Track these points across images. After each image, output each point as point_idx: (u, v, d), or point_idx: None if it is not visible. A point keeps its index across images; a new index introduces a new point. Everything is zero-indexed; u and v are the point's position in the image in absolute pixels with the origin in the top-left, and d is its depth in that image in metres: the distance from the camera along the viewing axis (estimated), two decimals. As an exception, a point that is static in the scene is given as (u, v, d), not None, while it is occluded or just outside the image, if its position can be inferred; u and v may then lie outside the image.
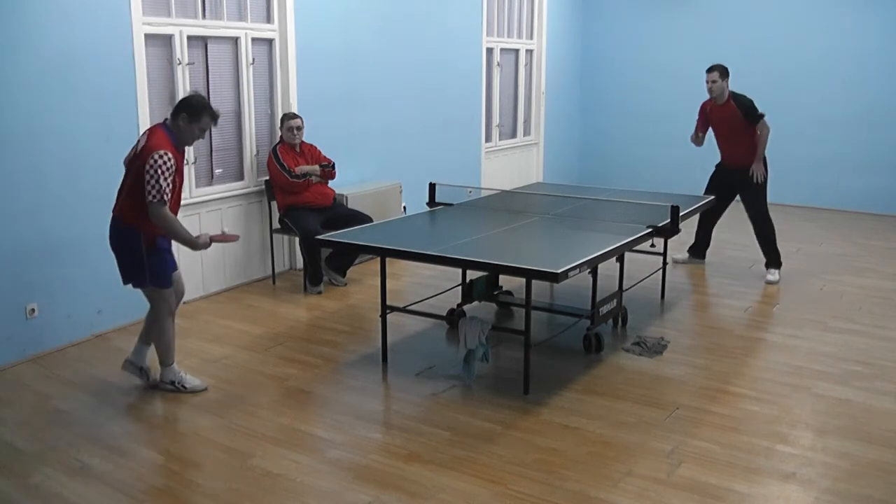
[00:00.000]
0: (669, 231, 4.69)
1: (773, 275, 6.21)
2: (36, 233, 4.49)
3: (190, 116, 3.75)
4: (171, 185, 3.63)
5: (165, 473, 3.29)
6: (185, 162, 5.46)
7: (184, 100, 3.84)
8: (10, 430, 3.66)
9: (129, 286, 3.97)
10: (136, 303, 5.09)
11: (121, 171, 4.92)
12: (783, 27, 9.16)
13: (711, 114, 6.38)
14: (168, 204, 3.66)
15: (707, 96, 6.46)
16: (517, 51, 9.12)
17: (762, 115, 6.12)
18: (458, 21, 7.91)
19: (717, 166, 6.62)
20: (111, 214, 3.88)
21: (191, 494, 3.12)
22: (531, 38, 9.34)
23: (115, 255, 3.90)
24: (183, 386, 4.03)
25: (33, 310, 4.52)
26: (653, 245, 4.78)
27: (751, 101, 6.19)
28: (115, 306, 4.97)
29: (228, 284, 5.88)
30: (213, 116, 3.83)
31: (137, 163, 3.68)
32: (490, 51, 8.53)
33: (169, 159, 3.62)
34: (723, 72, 6.22)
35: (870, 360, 4.49)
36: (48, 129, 4.49)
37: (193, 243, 3.83)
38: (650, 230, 4.60)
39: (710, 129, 6.49)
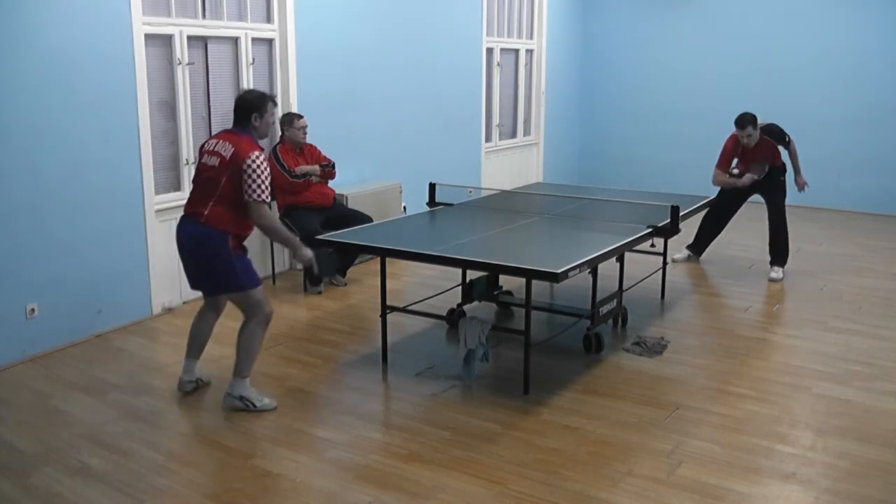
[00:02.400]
0: (669, 231, 4.69)
1: (778, 272, 6.27)
2: (36, 233, 4.49)
3: (259, 113, 3.70)
4: (269, 186, 3.63)
5: (165, 473, 3.29)
6: (186, 162, 5.47)
7: (243, 102, 3.71)
8: (10, 430, 3.66)
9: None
10: (136, 303, 5.13)
11: (122, 172, 4.95)
12: (783, 27, 9.16)
13: (744, 154, 6.37)
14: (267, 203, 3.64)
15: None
16: (517, 51, 9.12)
17: (791, 140, 6.42)
18: (458, 21, 7.91)
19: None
20: (187, 220, 3.69)
21: (191, 494, 3.12)
22: (531, 38, 9.34)
23: (195, 261, 3.72)
24: (252, 404, 3.78)
25: (33, 310, 4.52)
26: (653, 245, 4.79)
27: (779, 129, 6.40)
28: (115, 306, 4.97)
29: (228, 284, 5.87)
30: (274, 100, 3.80)
31: (229, 168, 3.57)
32: (490, 51, 8.53)
33: (264, 160, 3.60)
34: (755, 123, 6.21)
35: (870, 360, 4.49)
36: (48, 129, 4.49)
37: (295, 245, 3.80)
38: (650, 230, 4.60)
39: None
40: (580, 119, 10.60)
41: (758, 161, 6.39)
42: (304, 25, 6.11)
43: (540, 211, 5.29)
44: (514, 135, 9.38)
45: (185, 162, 5.45)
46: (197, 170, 3.74)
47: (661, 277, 5.74)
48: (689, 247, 6.82)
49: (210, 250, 3.64)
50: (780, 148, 6.45)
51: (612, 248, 4.20)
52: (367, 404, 3.99)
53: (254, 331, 3.79)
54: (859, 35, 8.72)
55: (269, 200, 3.64)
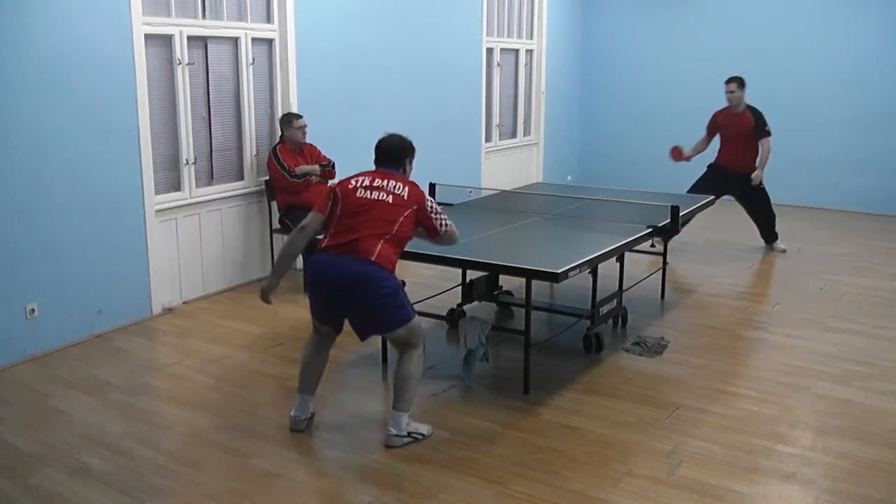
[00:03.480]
0: (669, 231, 4.70)
1: (782, 244, 6.97)
2: (36, 233, 4.49)
3: (412, 156, 3.76)
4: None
5: (165, 473, 3.29)
6: (186, 162, 5.47)
7: (402, 146, 3.70)
8: (10, 430, 3.66)
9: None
10: (136, 303, 5.13)
11: (122, 172, 4.95)
12: (783, 27, 9.16)
13: (726, 121, 6.86)
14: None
15: (720, 106, 7.05)
16: (517, 51, 9.12)
17: (769, 133, 6.71)
18: (458, 21, 7.91)
19: (712, 167, 6.98)
20: (343, 255, 3.40)
21: (191, 494, 3.12)
22: (531, 38, 9.34)
23: (363, 303, 3.43)
24: (422, 434, 3.56)
25: (33, 310, 4.52)
26: (653, 245, 4.79)
27: (763, 116, 6.75)
28: (115, 306, 4.97)
29: (228, 284, 5.88)
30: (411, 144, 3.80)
31: (407, 204, 3.50)
32: (490, 51, 8.52)
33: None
34: (741, 82, 6.74)
35: (870, 360, 4.49)
36: (48, 129, 4.49)
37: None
38: (650, 230, 4.60)
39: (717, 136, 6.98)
40: (580, 119, 10.60)
41: (736, 138, 6.77)
42: (304, 25, 6.11)
43: (540, 211, 5.29)
44: (514, 135, 9.38)
45: (185, 162, 5.45)
46: (357, 203, 3.47)
47: (661, 277, 5.74)
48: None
49: (382, 291, 3.40)
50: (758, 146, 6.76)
51: (612, 248, 4.20)
52: (367, 404, 3.99)
53: (422, 357, 3.56)
54: (859, 35, 8.71)
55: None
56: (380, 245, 3.41)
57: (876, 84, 8.69)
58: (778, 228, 7.13)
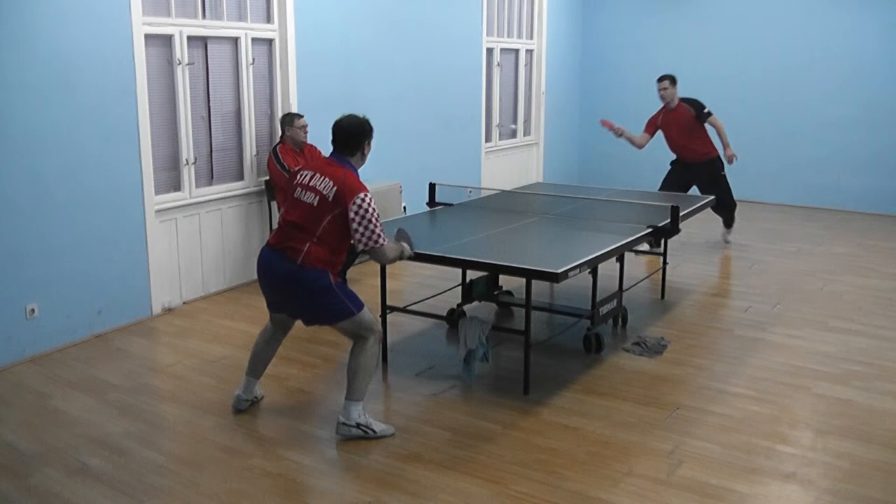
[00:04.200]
0: (669, 231, 4.70)
1: (730, 235, 7.29)
2: (36, 233, 4.49)
3: (370, 141, 3.56)
4: (380, 225, 3.42)
5: (165, 473, 3.29)
6: (186, 162, 5.47)
7: (355, 128, 3.53)
8: (10, 430, 3.66)
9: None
10: (136, 303, 5.13)
11: (122, 172, 4.95)
12: (783, 27, 9.16)
13: (664, 120, 7.06)
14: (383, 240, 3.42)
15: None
16: (517, 51, 9.12)
17: (710, 112, 6.93)
18: (458, 21, 7.91)
19: (674, 163, 7.18)
20: (277, 254, 3.46)
21: (191, 494, 3.12)
22: (531, 38, 9.34)
23: (299, 300, 3.51)
24: (372, 430, 3.53)
25: (33, 310, 4.52)
26: (653, 245, 4.79)
27: (698, 101, 6.97)
28: (115, 306, 4.97)
29: (228, 284, 5.88)
30: (370, 124, 3.59)
31: (331, 207, 3.37)
32: (490, 51, 8.53)
33: (372, 199, 3.39)
34: (672, 80, 6.97)
35: (870, 360, 4.49)
36: (48, 129, 4.49)
37: (406, 253, 3.67)
38: (650, 230, 4.60)
39: (662, 136, 7.22)
40: (580, 119, 10.60)
41: (680, 132, 6.99)
42: (304, 25, 6.11)
43: (540, 211, 5.29)
44: (514, 135, 9.38)
45: (185, 162, 5.45)
46: (292, 201, 3.49)
47: (661, 277, 5.74)
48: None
49: (313, 289, 3.43)
50: (711, 134, 6.99)
51: (612, 248, 4.20)
52: (367, 404, 3.98)
53: (375, 349, 3.55)
54: (859, 35, 8.71)
55: (383, 241, 3.42)
56: (307, 247, 3.40)
57: (876, 84, 8.69)
58: (778, 228, 7.19)
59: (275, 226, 5.90)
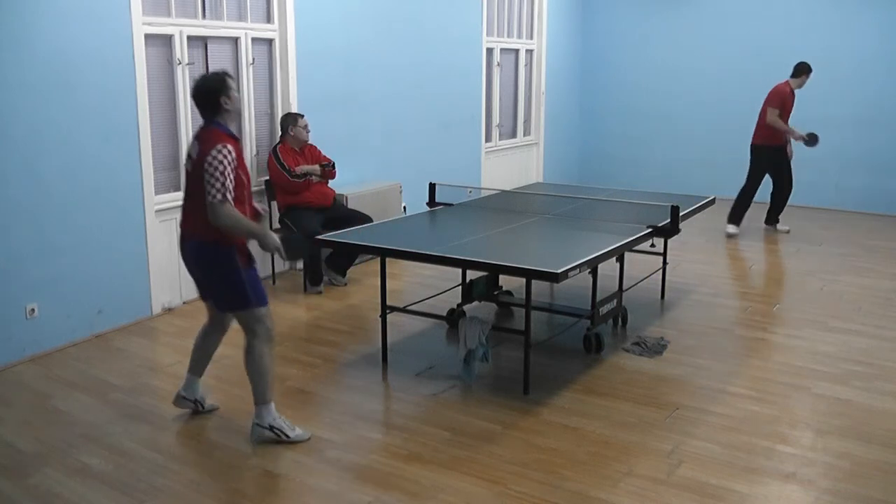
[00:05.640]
0: (669, 231, 4.69)
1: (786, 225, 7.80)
2: (36, 232, 4.49)
3: (226, 93, 3.43)
4: (233, 181, 3.28)
5: (165, 473, 3.29)
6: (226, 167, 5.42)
7: (205, 88, 3.44)
8: (10, 430, 3.66)
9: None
10: (136, 303, 5.13)
11: (122, 172, 4.95)
12: (783, 27, 9.17)
13: (790, 104, 7.57)
14: (233, 201, 3.27)
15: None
16: (517, 51, 9.12)
17: None
18: (458, 21, 7.91)
19: (776, 149, 7.54)
20: (181, 236, 3.49)
21: (191, 494, 3.12)
22: (531, 38, 9.34)
23: (205, 279, 3.49)
24: (285, 434, 3.49)
25: (33, 310, 4.52)
26: (653, 245, 4.79)
27: None
28: (115, 306, 4.97)
29: (228, 284, 5.87)
30: (231, 76, 3.51)
31: (198, 170, 3.30)
32: (490, 51, 8.53)
33: (229, 152, 3.29)
34: None
35: (870, 360, 4.49)
36: (48, 129, 4.49)
37: (260, 234, 3.39)
38: (650, 230, 4.60)
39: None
40: (580, 119, 10.60)
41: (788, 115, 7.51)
42: (304, 25, 6.11)
43: (540, 211, 5.29)
44: (514, 135, 9.38)
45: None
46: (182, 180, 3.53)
47: (661, 277, 5.74)
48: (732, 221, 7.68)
49: (218, 268, 3.39)
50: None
51: (612, 248, 4.20)
52: (367, 404, 3.99)
53: (262, 350, 3.48)
54: (859, 35, 8.71)
55: (231, 198, 3.26)
56: (193, 218, 3.38)
57: (876, 84, 8.69)
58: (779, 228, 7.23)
59: (275, 225, 5.96)
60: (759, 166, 7.58)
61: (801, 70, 7.50)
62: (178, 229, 3.56)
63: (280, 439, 3.50)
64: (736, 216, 7.63)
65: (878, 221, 8.44)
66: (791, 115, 7.54)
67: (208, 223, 3.28)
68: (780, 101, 7.40)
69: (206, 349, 3.79)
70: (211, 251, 3.37)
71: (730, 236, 7.55)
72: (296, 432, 3.54)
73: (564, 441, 3.54)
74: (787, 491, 3.14)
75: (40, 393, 4.08)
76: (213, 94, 3.42)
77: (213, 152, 3.26)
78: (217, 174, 3.23)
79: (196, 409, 3.80)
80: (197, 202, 3.32)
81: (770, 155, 7.53)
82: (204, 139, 3.36)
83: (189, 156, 3.43)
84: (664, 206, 4.78)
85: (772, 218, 7.87)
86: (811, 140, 7.49)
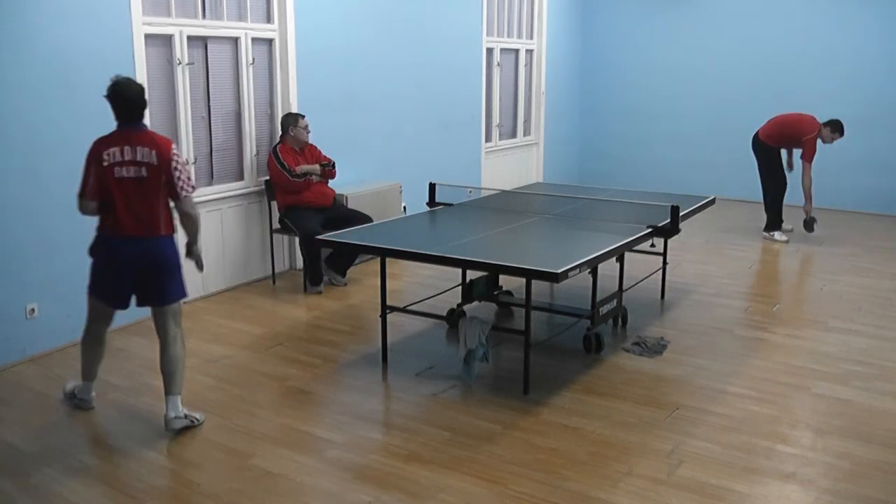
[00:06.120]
0: (669, 231, 4.69)
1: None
2: (36, 233, 4.49)
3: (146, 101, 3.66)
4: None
5: (165, 473, 3.29)
6: (186, 162, 5.45)
7: (138, 97, 3.57)
8: (10, 430, 3.66)
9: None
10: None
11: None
12: (783, 27, 9.16)
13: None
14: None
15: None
16: (517, 51, 9.12)
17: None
18: (458, 21, 7.91)
19: (770, 149, 7.52)
20: (134, 239, 3.52)
21: (191, 494, 3.12)
22: (531, 38, 9.34)
23: (160, 275, 3.60)
24: (197, 419, 3.69)
25: (33, 310, 4.52)
26: (653, 245, 4.79)
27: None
28: (115, 306, 4.96)
29: (228, 284, 5.88)
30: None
31: (163, 173, 3.49)
32: (490, 51, 8.52)
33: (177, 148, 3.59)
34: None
35: (870, 360, 4.49)
36: (48, 129, 4.49)
37: (195, 239, 3.74)
38: (650, 230, 4.60)
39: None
40: (580, 119, 10.60)
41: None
42: (304, 25, 6.11)
43: (540, 211, 5.29)
44: (514, 135, 9.38)
45: (184, 162, 5.44)
46: (117, 183, 3.45)
47: (661, 277, 5.74)
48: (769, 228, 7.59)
49: (172, 260, 3.62)
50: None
51: (611, 248, 4.20)
52: (367, 404, 3.99)
53: (184, 341, 3.72)
54: (860, 35, 8.71)
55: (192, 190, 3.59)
56: (154, 216, 3.52)
57: (876, 84, 8.69)
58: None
59: (275, 225, 5.96)
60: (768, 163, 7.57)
61: (836, 128, 7.38)
62: (111, 234, 3.55)
63: (193, 425, 3.65)
64: (775, 221, 7.53)
65: (878, 221, 8.44)
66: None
67: (170, 219, 3.56)
68: (813, 153, 7.36)
69: (102, 353, 3.86)
70: (172, 245, 3.62)
71: (784, 242, 7.32)
72: (201, 414, 3.73)
73: (564, 441, 3.54)
74: (787, 491, 3.14)
75: (40, 393, 4.08)
76: (143, 99, 3.59)
77: (174, 151, 3.52)
78: (184, 169, 3.54)
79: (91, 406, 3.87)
80: (155, 202, 3.51)
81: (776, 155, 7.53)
82: (155, 142, 3.51)
83: (138, 161, 3.47)
84: (664, 206, 4.78)
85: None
86: (810, 224, 7.44)
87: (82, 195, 3.53)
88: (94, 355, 3.82)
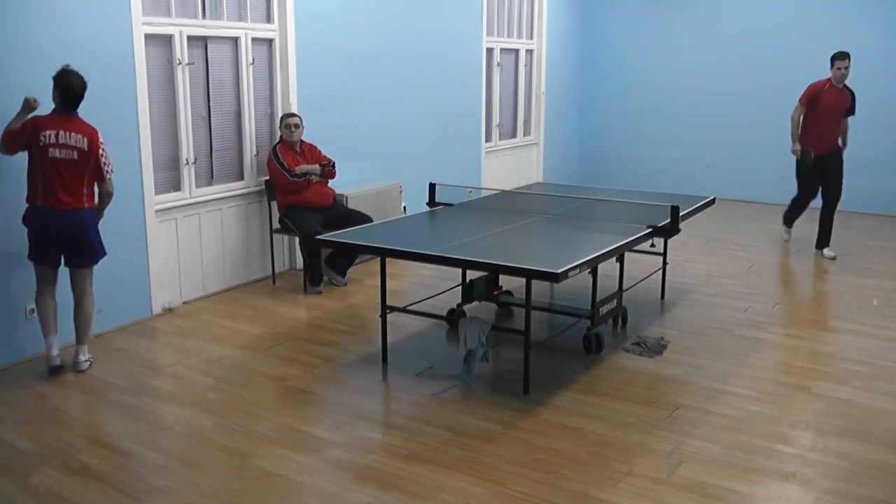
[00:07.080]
0: (669, 231, 4.70)
1: (830, 252, 6.84)
2: (36, 233, 4.49)
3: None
4: None
5: (165, 473, 3.29)
6: (186, 162, 5.47)
7: (81, 88, 4.14)
8: (10, 430, 3.66)
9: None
10: (136, 303, 5.13)
11: (121, 172, 4.95)
12: (783, 27, 9.17)
13: (826, 95, 6.78)
14: None
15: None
16: (517, 51, 9.12)
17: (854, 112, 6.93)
18: (458, 21, 7.91)
19: (813, 158, 6.88)
20: (65, 211, 4.11)
21: (191, 494, 3.12)
22: (531, 38, 9.34)
23: (84, 241, 4.23)
24: (92, 359, 4.43)
25: (33, 310, 4.51)
26: (653, 245, 4.79)
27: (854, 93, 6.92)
28: (115, 306, 4.97)
29: (228, 284, 5.88)
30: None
31: (91, 158, 4.15)
32: (490, 51, 8.52)
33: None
34: (850, 59, 6.73)
35: (870, 360, 4.49)
36: (48, 129, 4.48)
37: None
38: (650, 230, 4.60)
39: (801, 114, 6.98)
40: (580, 119, 10.60)
41: (833, 115, 6.77)
42: (304, 25, 6.11)
43: (540, 211, 5.29)
44: (514, 135, 9.38)
45: (185, 162, 5.45)
46: (49, 161, 4.05)
47: (661, 277, 5.74)
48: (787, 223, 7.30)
49: (95, 229, 4.28)
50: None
51: (611, 248, 4.20)
52: (367, 404, 3.99)
53: (92, 295, 4.37)
54: (859, 35, 8.70)
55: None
56: (80, 192, 4.17)
57: (876, 84, 8.68)
58: (778, 228, 7.18)
59: (275, 225, 5.96)
60: (801, 171, 7.07)
61: (832, 58, 6.76)
62: (46, 202, 4.12)
63: (91, 364, 4.36)
64: (823, 239, 6.94)
65: (878, 221, 8.44)
66: (829, 114, 6.84)
67: (91, 194, 4.23)
68: (808, 96, 6.85)
69: (54, 308, 4.33)
70: (93, 216, 4.28)
71: (831, 258, 6.79)
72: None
73: (564, 441, 3.54)
74: (787, 491, 3.14)
75: (40, 393, 4.08)
76: (84, 92, 4.16)
77: (101, 139, 4.21)
78: (107, 156, 4.26)
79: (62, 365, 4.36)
80: (81, 180, 4.16)
81: (817, 160, 6.85)
82: (84, 129, 4.15)
83: (70, 145, 4.08)
84: (664, 206, 4.78)
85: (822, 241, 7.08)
86: (805, 156, 6.94)
87: (3, 142, 4.11)
88: (51, 311, 4.31)
